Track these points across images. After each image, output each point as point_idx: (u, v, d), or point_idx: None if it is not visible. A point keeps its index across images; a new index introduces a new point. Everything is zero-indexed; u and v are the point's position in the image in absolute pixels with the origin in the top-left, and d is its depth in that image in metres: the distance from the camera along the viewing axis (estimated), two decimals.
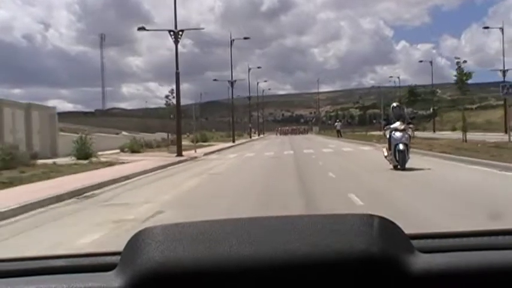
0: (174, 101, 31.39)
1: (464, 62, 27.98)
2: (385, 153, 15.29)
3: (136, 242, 1.03)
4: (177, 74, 24.81)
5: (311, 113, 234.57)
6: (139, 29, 26.62)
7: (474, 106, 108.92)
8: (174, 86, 27.38)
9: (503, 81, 35.18)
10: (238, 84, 55.01)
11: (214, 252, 0.98)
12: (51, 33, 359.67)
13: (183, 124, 33.84)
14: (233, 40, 45.82)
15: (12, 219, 8.10)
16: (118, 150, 29.56)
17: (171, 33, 24.35)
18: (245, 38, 46.49)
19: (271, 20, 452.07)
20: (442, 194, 9.44)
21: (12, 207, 8.68)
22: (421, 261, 1.01)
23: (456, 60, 27.69)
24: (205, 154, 27.23)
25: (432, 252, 1.09)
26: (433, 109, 79.01)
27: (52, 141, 26.25)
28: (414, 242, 1.08)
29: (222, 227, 1.08)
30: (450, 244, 1.18)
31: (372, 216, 1.08)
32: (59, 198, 10.02)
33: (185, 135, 47.15)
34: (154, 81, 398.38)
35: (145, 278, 0.96)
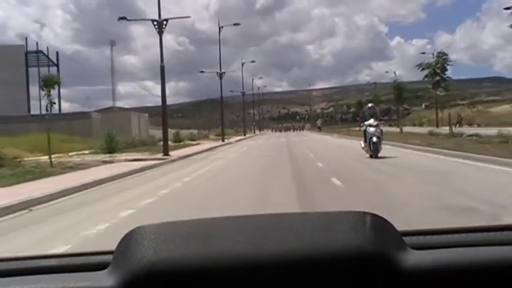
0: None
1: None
2: (362, 145, 18.51)
3: (128, 240, 1.06)
4: (221, 98, 45.56)
5: (306, 110, 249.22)
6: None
7: (465, 102, 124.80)
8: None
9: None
10: (236, 82, 67.86)
11: (208, 251, 1.01)
12: (45, 32, 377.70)
13: (190, 123, 50.25)
14: (243, 64, 66.54)
15: (210, 151, 28.95)
16: None
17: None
18: (252, 62, 67.52)
19: (266, 17, 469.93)
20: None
21: (205, 148, 29.63)
22: (413, 258, 1.04)
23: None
24: (236, 141, 48.09)
25: (424, 248, 1.12)
26: (425, 105, 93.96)
27: (146, 134, 47.18)
28: (406, 239, 1.12)
29: (215, 225, 1.12)
30: (442, 241, 1.21)
31: (364, 213, 1.11)
32: (212, 149, 30.98)
33: (206, 131, 67.88)
34: (150, 79, 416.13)
35: (138, 277, 0.98)
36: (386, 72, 76.90)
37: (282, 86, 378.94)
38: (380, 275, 1.00)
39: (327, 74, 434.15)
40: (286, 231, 1.07)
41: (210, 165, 19.19)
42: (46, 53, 63.05)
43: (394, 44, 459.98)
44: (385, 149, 18.76)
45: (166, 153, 23.71)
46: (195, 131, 65.21)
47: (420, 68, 27.56)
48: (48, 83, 17.31)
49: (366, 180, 12.15)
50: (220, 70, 45.03)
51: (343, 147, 27.84)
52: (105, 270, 1.07)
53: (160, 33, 23.63)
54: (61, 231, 7.49)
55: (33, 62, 61.63)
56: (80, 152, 27.95)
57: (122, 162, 20.24)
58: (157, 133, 47.66)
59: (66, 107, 66.71)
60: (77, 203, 10.39)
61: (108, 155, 24.83)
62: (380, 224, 1.10)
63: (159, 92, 24.68)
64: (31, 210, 9.44)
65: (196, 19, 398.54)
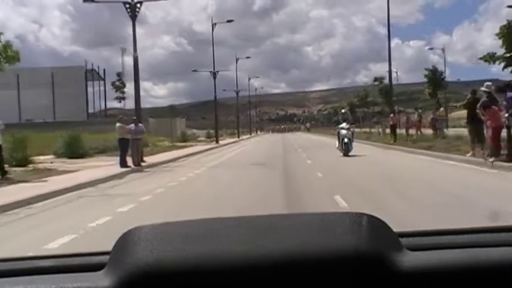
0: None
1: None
2: (337, 145, 22.26)
3: (125, 241, 1.09)
4: (237, 106, 67.91)
5: (304, 112, 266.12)
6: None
7: (458, 104, 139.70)
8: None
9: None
10: (233, 82, 77.34)
11: (204, 252, 1.04)
12: (43, 33, 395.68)
13: (195, 123, 68.72)
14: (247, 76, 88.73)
15: (236, 143, 51.56)
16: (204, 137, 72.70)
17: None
18: (256, 77, 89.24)
19: (264, 19, 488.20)
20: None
21: (232, 141, 52.26)
22: (410, 259, 1.07)
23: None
24: (247, 138, 70.44)
25: (421, 250, 1.16)
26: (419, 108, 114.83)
27: (184, 131, 69.79)
28: (403, 240, 1.15)
29: (211, 226, 1.14)
30: (439, 242, 1.26)
31: (361, 214, 1.14)
32: (236, 142, 53.54)
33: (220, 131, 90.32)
34: (149, 80, 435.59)
35: (134, 277, 1.01)
36: (365, 83, 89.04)
37: (280, 88, 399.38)
38: (376, 276, 1.03)
39: (325, 75, 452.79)
40: (282, 232, 1.09)
41: (244, 147, 41.62)
42: (97, 71, 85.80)
43: (392, 45, 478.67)
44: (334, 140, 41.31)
45: (217, 142, 46.12)
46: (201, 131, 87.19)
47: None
48: (172, 109, 39.86)
49: (305, 144, 35.27)
50: (237, 87, 67.64)
51: (312, 139, 50.95)
52: (102, 271, 1.10)
53: (214, 78, 46.11)
54: (216, 158, 29.40)
55: (89, 77, 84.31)
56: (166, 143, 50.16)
57: (199, 146, 42.51)
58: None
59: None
60: (208, 154, 32.56)
61: (183, 143, 47.01)
62: (377, 225, 1.12)
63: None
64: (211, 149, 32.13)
65: (194, 21, 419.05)
